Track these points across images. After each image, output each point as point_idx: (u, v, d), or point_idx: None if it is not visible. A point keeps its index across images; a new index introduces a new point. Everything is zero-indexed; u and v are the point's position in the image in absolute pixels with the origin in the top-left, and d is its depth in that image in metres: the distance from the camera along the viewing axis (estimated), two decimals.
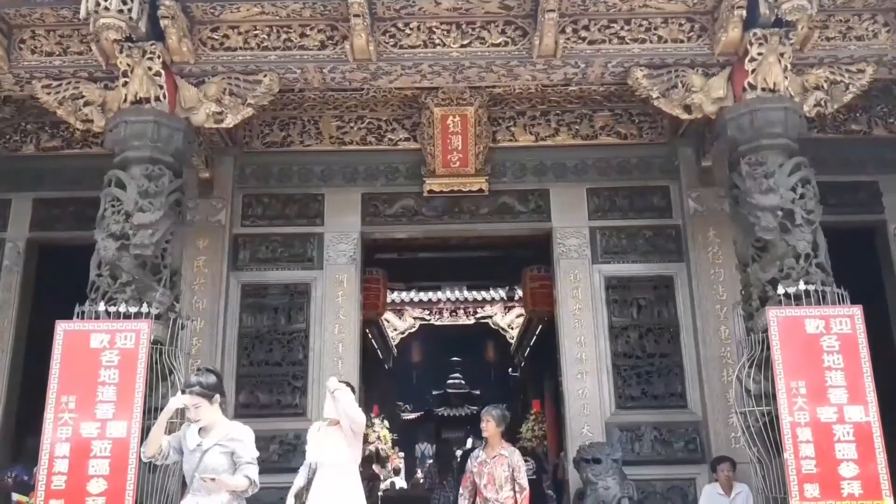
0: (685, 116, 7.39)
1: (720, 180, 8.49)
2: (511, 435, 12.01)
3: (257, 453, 4.87)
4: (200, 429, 4.78)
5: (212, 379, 4.88)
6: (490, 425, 6.57)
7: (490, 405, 6.81)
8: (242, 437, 4.79)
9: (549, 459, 13.58)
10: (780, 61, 6.86)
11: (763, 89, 6.85)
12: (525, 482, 6.40)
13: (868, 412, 5.94)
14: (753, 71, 6.87)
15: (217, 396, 4.87)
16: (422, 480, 13.42)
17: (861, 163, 9.08)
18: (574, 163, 9.26)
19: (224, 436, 4.73)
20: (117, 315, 6.31)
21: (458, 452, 12.33)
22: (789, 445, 5.90)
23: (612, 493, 7.43)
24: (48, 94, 7.28)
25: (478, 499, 6.55)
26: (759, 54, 6.83)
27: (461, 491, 6.80)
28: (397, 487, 11.20)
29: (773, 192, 6.48)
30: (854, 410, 5.96)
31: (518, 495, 6.35)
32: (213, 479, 4.56)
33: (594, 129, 9.34)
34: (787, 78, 6.92)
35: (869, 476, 5.80)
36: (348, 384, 6.01)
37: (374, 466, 14.65)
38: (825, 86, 7.24)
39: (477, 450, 6.84)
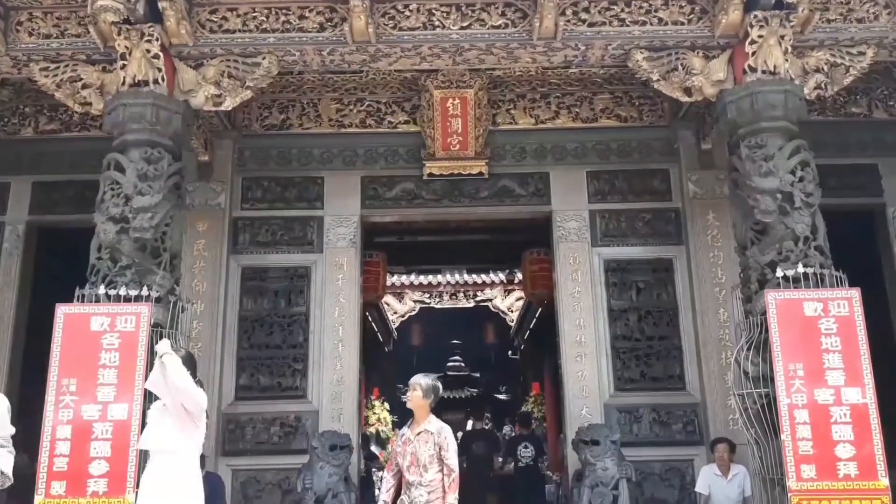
0: (685, 99, 7.38)
1: (720, 163, 8.51)
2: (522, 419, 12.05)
3: (11, 430, 4.30)
4: None
5: None
6: (416, 395, 5.65)
7: (420, 374, 5.94)
8: None
9: (548, 441, 13.64)
10: (780, 43, 6.85)
11: (763, 72, 6.83)
12: (454, 462, 5.47)
13: (865, 394, 5.96)
14: (754, 53, 6.85)
15: None
16: None
17: (861, 146, 9.08)
18: (574, 146, 9.26)
19: None
20: (117, 298, 6.32)
21: (459, 434, 12.37)
22: (786, 427, 5.93)
23: (610, 474, 7.48)
24: (46, 76, 7.25)
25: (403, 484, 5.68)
26: (760, 36, 6.81)
27: (384, 475, 6.08)
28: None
29: (773, 174, 6.47)
30: (851, 392, 5.98)
31: (446, 478, 5.44)
32: None
33: (594, 111, 9.33)
34: (787, 60, 6.90)
35: (865, 457, 5.82)
36: (189, 354, 5.18)
37: (372, 447, 14.74)
38: (825, 68, 7.21)
39: (403, 427, 5.99)
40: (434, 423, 5.59)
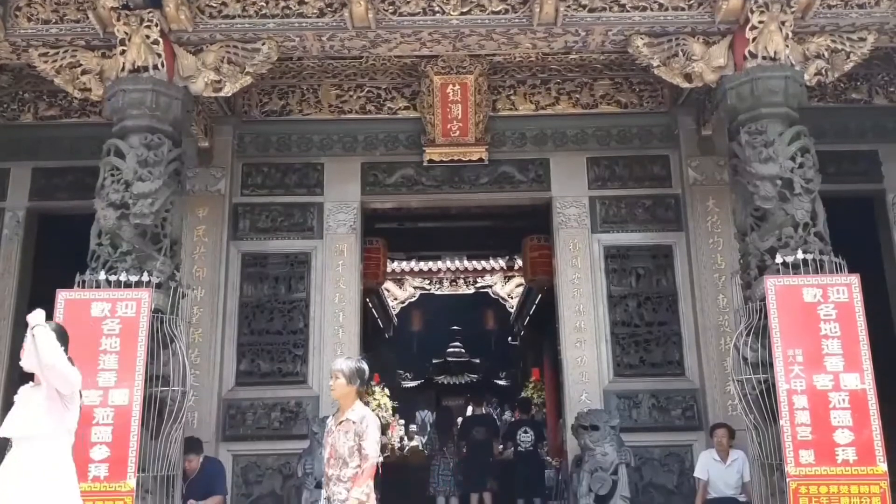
0: (685, 85, 7.36)
1: (720, 149, 8.49)
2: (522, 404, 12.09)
3: None
4: None
5: None
6: (339, 383, 5.03)
7: (341, 358, 5.28)
8: None
9: (547, 426, 13.69)
10: (781, 29, 6.82)
11: (764, 58, 6.81)
12: (372, 450, 4.88)
13: (864, 379, 5.98)
14: (754, 39, 6.83)
15: None
16: (421, 447, 13.58)
17: (861, 132, 9.07)
18: (574, 132, 9.25)
19: None
20: (118, 284, 6.33)
21: (459, 420, 12.42)
22: (785, 412, 5.96)
23: (609, 460, 7.52)
24: (45, 62, 7.23)
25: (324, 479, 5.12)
26: (761, 22, 6.79)
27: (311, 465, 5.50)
28: (403, 452, 11.38)
29: (773, 160, 6.47)
30: (850, 378, 6.00)
31: (360, 467, 4.85)
32: None
33: (594, 97, 9.32)
34: (787, 46, 6.88)
35: (863, 443, 5.85)
36: (60, 327, 4.50)
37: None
38: (826, 54, 7.18)
39: (328, 417, 5.48)
40: (357, 411, 4.99)
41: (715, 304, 8.46)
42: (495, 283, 19.53)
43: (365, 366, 5.14)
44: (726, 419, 7.83)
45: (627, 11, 7.10)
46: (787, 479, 5.84)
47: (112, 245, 6.58)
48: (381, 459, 5.00)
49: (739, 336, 6.57)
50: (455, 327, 21.85)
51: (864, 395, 5.95)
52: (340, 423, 5.01)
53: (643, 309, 8.78)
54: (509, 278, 19.13)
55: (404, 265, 18.78)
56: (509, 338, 21.38)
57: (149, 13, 6.78)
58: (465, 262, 19.00)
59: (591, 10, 7.11)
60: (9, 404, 8.59)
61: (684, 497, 8.04)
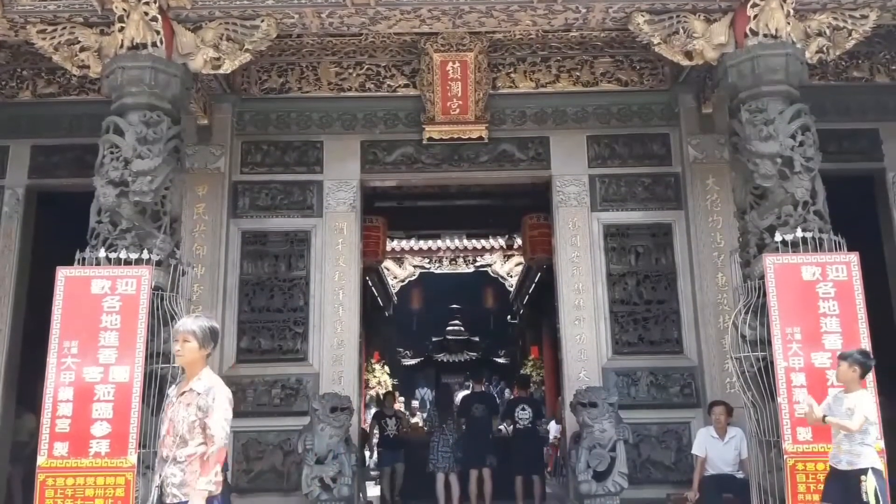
0: (686, 63, 7.33)
1: (720, 127, 8.49)
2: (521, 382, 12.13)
3: None
4: None
5: None
6: (190, 347, 4.25)
7: (188, 317, 4.44)
8: None
9: (546, 404, 13.76)
10: (782, 7, 6.79)
11: (765, 35, 6.79)
12: (218, 430, 4.10)
13: None
14: (755, 17, 6.80)
15: None
16: (421, 424, 13.68)
17: (862, 110, 9.04)
18: (574, 110, 9.23)
19: None
20: (118, 261, 6.35)
21: (458, 397, 12.48)
22: (783, 390, 5.99)
23: (607, 436, 7.56)
24: (43, 39, 7.20)
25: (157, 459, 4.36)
26: None
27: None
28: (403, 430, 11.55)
29: (773, 139, 6.46)
30: None
31: (208, 450, 4.11)
32: None
33: (595, 75, 9.28)
34: (789, 24, 6.85)
35: None
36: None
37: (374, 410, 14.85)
38: (828, 32, 7.15)
39: (171, 387, 4.63)
40: (204, 380, 4.23)
41: (714, 283, 8.48)
42: (495, 262, 19.55)
43: (217, 326, 4.40)
44: (724, 397, 7.88)
45: None
46: (785, 456, 5.89)
47: (112, 222, 6.59)
48: (225, 443, 4.16)
49: (738, 314, 6.59)
50: (455, 306, 21.92)
51: None
52: (183, 393, 4.24)
53: (642, 287, 8.80)
54: (509, 257, 19.15)
55: (404, 244, 18.80)
56: (508, 316, 21.46)
57: None
58: (465, 241, 19.02)
59: None
60: (13, 377, 8.60)
61: (682, 473, 8.09)
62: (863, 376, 5.31)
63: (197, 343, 4.22)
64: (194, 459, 4.11)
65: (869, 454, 5.13)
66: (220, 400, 4.17)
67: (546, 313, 14.28)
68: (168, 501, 4.09)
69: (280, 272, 8.89)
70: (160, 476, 4.15)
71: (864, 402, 5.15)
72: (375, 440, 11.81)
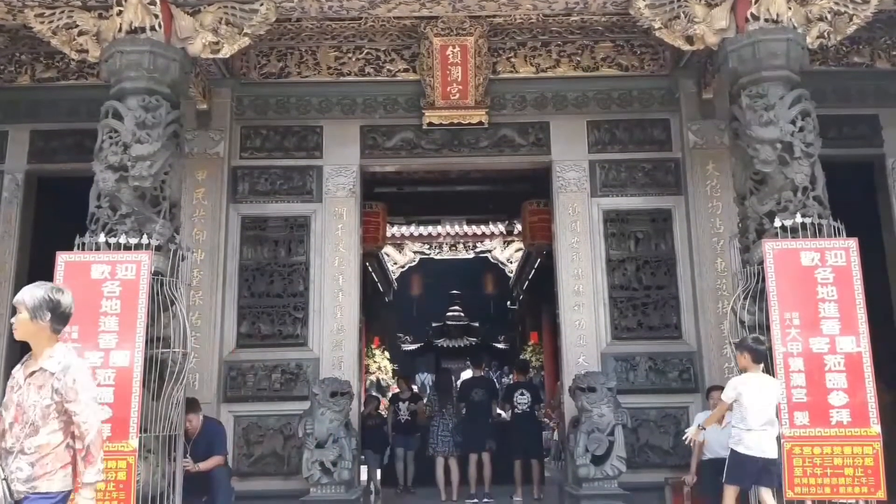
0: (687, 48, 7.29)
1: (721, 113, 8.46)
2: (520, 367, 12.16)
3: None
4: None
5: None
6: (22, 318, 3.66)
7: (28, 286, 3.73)
8: None
9: (545, 389, 13.80)
10: None
11: (766, 20, 6.74)
12: (90, 416, 3.59)
13: (860, 343, 6.02)
14: (757, 1, 6.75)
15: None
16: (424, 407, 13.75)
17: (862, 96, 9.03)
18: (575, 95, 9.22)
19: None
20: (117, 246, 6.33)
21: (458, 382, 12.51)
22: (781, 375, 6.00)
23: (606, 421, 7.60)
24: (41, 22, 7.14)
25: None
26: None
27: None
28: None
29: (773, 124, 6.44)
30: (846, 341, 6.03)
31: (79, 443, 3.57)
32: None
33: (595, 60, 9.26)
34: (790, 8, 6.81)
35: (858, 405, 5.90)
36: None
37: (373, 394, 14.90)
38: (829, 16, 7.10)
39: (17, 366, 3.84)
40: (57, 358, 3.66)
41: (713, 268, 8.49)
42: (495, 248, 19.56)
43: (63, 297, 3.71)
44: (723, 382, 7.80)
45: None
46: (782, 440, 5.90)
47: (111, 207, 6.58)
48: (100, 426, 3.66)
49: (737, 299, 6.60)
50: (454, 291, 21.96)
51: (860, 358, 5.99)
52: (32, 373, 3.66)
53: (641, 273, 8.82)
54: (509, 243, 19.16)
55: (404, 230, 18.79)
56: (508, 302, 21.48)
57: None
58: (465, 227, 19.01)
59: None
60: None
61: (680, 458, 8.11)
62: (756, 361, 5.81)
63: (28, 314, 3.62)
64: (47, 451, 3.53)
65: (737, 435, 5.74)
66: (82, 379, 3.64)
67: (546, 299, 14.30)
68: (16, 499, 3.51)
69: (280, 257, 8.90)
70: (2, 470, 3.54)
71: (744, 386, 5.77)
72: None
